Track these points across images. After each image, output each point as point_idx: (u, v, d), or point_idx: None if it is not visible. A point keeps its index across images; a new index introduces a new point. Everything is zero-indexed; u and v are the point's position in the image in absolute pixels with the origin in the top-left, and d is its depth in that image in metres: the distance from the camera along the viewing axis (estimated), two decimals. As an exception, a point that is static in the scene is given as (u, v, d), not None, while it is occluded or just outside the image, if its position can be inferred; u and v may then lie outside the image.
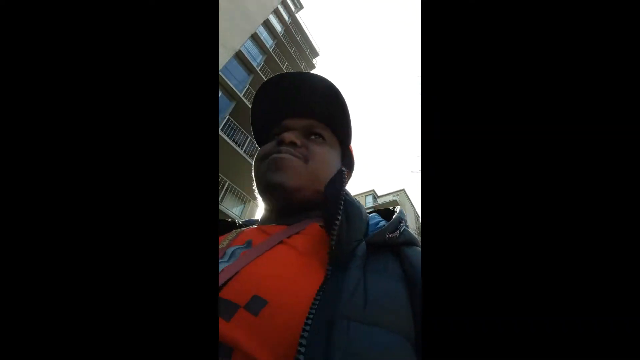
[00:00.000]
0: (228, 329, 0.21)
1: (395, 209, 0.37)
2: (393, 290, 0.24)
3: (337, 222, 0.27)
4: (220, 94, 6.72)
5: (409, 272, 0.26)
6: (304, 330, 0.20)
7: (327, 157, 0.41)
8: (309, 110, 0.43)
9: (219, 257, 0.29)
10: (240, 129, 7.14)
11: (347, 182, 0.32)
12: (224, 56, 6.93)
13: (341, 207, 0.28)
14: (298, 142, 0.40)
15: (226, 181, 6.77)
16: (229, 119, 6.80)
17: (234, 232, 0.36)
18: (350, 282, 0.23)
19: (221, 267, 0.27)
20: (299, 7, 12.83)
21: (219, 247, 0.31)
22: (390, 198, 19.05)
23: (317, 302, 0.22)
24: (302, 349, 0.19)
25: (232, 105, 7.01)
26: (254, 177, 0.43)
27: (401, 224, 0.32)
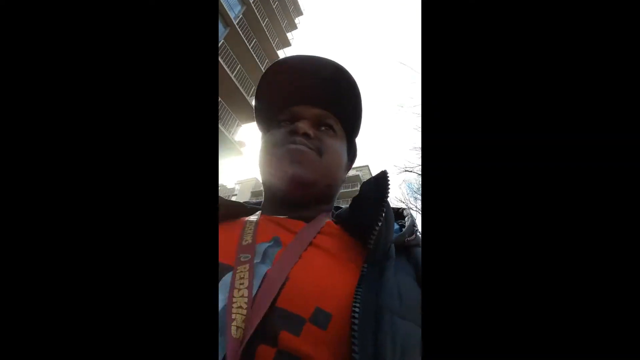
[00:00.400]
0: (300, 344, 0.22)
1: (403, 212, 0.39)
2: (416, 289, 0.27)
3: (379, 227, 0.28)
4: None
5: (417, 271, 0.29)
6: (353, 323, 0.21)
7: (338, 151, 0.41)
8: (322, 99, 0.41)
9: (252, 255, 0.29)
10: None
11: (389, 184, 0.33)
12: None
13: (384, 212, 0.29)
14: (311, 133, 0.39)
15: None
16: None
17: (249, 225, 0.35)
18: (389, 280, 0.25)
19: (260, 269, 0.27)
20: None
21: (244, 243, 0.31)
22: (353, 173, 19.59)
23: (359, 296, 0.23)
24: (355, 341, 0.20)
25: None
26: (262, 164, 0.42)
27: (415, 228, 0.34)
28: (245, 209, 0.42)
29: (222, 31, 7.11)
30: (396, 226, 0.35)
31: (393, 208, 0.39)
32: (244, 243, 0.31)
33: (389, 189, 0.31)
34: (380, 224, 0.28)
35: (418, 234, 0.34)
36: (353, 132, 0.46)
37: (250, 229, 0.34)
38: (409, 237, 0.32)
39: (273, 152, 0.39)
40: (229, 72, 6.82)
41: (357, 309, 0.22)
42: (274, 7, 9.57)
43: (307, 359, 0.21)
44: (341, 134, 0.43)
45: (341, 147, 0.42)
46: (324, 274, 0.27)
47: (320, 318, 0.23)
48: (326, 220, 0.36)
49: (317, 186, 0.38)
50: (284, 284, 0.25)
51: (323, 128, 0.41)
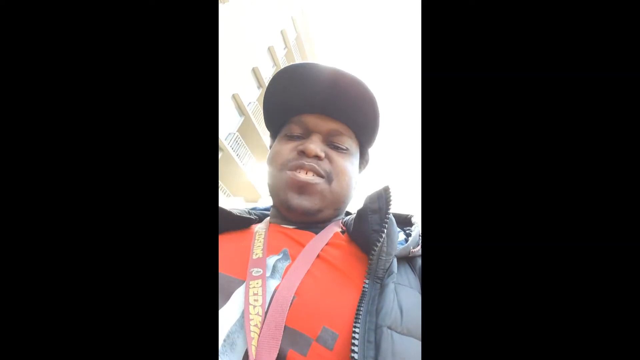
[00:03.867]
0: None
1: (411, 219, 0.39)
2: (418, 303, 0.27)
3: (379, 243, 0.29)
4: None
5: (421, 282, 0.30)
6: (353, 340, 0.22)
7: (349, 173, 0.41)
8: (337, 111, 0.41)
9: (262, 269, 0.30)
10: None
11: (390, 198, 0.32)
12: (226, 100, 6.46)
13: (385, 228, 0.30)
14: (322, 155, 0.39)
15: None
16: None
17: (259, 237, 0.36)
18: (389, 297, 0.25)
19: (271, 283, 0.28)
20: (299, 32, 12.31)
21: (254, 257, 0.32)
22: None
23: (360, 316, 0.24)
24: (355, 355, 0.21)
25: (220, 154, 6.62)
26: (268, 176, 0.42)
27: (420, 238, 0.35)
28: (252, 220, 0.43)
29: (237, 120, 7.46)
30: (403, 235, 0.36)
31: (401, 215, 0.40)
32: (254, 257, 0.32)
33: (390, 203, 0.32)
34: (381, 240, 0.29)
35: None
36: (368, 144, 0.46)
37: (260, 242, 0.35)
38: (414, 248, 0.32)
39: (280, 173, 0.39)
40: (239, 162, 7.13)
41: (357, 329, 0.23)
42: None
43: None
44: (354, 149, 0.43)
45: (353, 165, 0.42)
46: (330, 291, 0.28)
47: (327, 338, 0.24)
48: (335, 230, 0.37)
49: (323, 213, 0.39)
50: (292, 301, 0.26)
51: (335, 144, 0.41)
